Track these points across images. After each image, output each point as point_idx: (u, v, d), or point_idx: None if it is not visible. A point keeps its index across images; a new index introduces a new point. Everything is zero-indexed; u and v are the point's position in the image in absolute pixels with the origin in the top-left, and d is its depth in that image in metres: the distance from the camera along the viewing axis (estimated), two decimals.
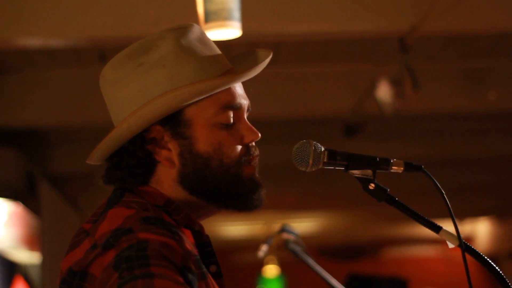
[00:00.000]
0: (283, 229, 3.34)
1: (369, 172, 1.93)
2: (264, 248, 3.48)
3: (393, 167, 1.95)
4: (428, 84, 5.54)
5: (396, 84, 5.15)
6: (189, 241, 1.67)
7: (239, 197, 1.76)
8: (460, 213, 12.64)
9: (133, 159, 1.74)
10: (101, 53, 5.65)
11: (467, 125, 7.15)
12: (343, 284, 5.98)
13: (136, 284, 1.46)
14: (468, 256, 1.91)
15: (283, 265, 13.91)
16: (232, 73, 1.75)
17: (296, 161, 1.90)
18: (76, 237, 1.70)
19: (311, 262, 3.32)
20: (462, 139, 7.09)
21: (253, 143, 1.80)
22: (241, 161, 1.75)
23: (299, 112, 6.35)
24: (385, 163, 1.93)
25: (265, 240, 3.51)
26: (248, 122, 1.79)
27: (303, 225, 12.67)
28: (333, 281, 3.33)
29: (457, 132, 7.06)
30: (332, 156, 1.90)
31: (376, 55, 5.62)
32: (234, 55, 1.88)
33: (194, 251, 1.65)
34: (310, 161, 1.88)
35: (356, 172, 1.93)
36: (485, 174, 9.65)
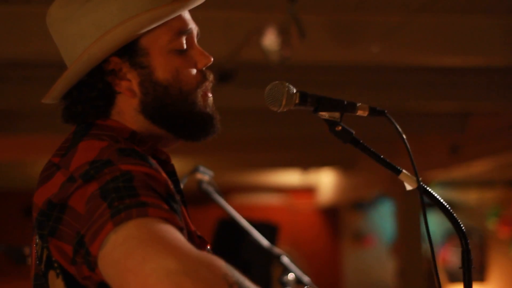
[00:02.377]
0: (196, 169, 3.33)
1: (336, 114, 2.00)
2: None
3: (358, 111, 2.02)
4: (313, 35, 5.64)
5: (282, 33, 5.20)
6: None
7: (197, 125, 1.80)
8: (305, 163, 12.99)
9: (94, 91, 1.76)
10: None
11: (348, 77, 7.34)
12: (214, 229, 6.05)
13: (131, 212, 1.45)
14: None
15: None
16: (178, 1, 1.77)
17: (268, 101, 1.95)
18: (46, 171, 1.70)
19: (224, 203, 3.35)
20: (341, 91, 7.26)
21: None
22: (198, 88, 1.79)
23: None
24: (352, 107, 2.01)
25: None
26: (199, 47, 1.83)
27: None
28: (244, 222, 3.37)
29: (340, 84, 7.23)
30: (303, 98, 1.96)
31: (260, 3, 5.64)
32: None
33: (169, 180, 1.66)
34: (284, 102, 1.94)
35: (324, 114, 2.00)
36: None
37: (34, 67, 6.88)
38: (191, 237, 1.68)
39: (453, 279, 12.42)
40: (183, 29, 1.78)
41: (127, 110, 1.77)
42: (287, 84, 1.94)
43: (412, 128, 9.18)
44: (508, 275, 12.54)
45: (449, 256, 12.87)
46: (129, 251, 1.41)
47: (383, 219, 14.27)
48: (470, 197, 12.98)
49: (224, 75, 6.50)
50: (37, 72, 6.94)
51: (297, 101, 1.95)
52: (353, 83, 7.43)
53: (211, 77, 1.84)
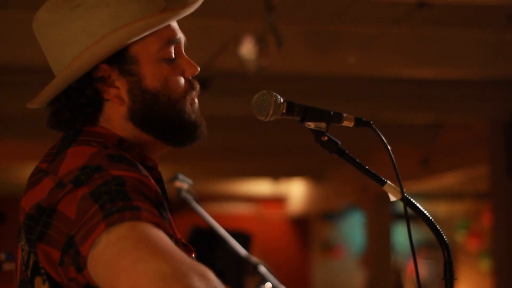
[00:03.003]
0: (175, 177, 3.33)
1: (323, 124, 2.01)
2: None
3: (344, 121, 2.03)
4: (291, 45, 5.66)
5: (260, 42, 5.21)
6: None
7: (184, 132, 1.82)
8: (275, 173, 13.01)
9: (82, 98, 1.75)
10: None
11: (324, 87, 7.36)
12: (188, 237, 6.05)
13: (124, 215, 1.45)
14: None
15: None
16: (173, 9, 1.80)
17: (255, 110, 1.95)
18: (33, 176, 1.69)
19: (202, 211, 3.34)
20: (316, 100, 7.29)
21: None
22: (186, 96, 1.80)
23: None
24: (338, 117, 2.02)
25: None
26: (186, 56, 1.85)
27: None
28: (222, 231, 3.36)
29: (316, 94, 7.24)
30: (291, 107, 1.97)
31: (237, 12, 5.65)
32: None
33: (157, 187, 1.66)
34: (271, 111, 1.95)
35: (310, 124, 2.00)
36: (303, 135, 9.94)
37: (18, 73, 6.84)
38: (177, 245, 1.68)
39: None
40: (172, 39, 1.80)
41: (115, 117, 1.77)
42: (274, 93, 1.95)
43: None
44: (477, 287, 12.63)
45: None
46: (122, 251, 1.41)
47: (353, 230, 14.32)
48: (440, 209, 13.07)
49: (200, 83, 6.47)
50: (21, 78, 6.89)
51: (284, 111, 1.96)
52: (328, 93, 7.46)
53: (197, 86, 1.85)
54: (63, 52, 1.75)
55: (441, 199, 12.95)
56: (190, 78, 1.83)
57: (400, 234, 12.41)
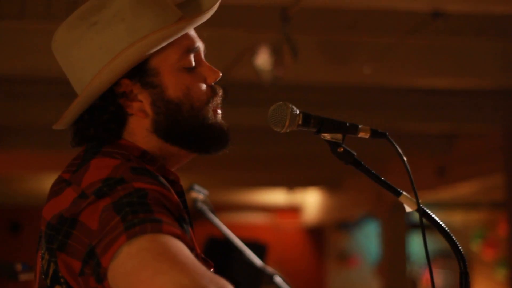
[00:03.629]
0: (191, 188, 3.34)
1: (338, 136, 2.00)
2: None
3: (360, 133, 2.03)
4: (306, 55, 5.67)
5: (275, 52, 5.22)
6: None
7: (209, 139, 1.82)
8: (290, 182, 12.99)
9: (106, 114, 1.76)
10: None
11: (339, 97, 7.37)
12: (203, 247, 6.04)
13: (145, 227, 1.46)
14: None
15: None
16: (189, 18, 1.79)
17: (271, 122, 1.95)
18: (56, 186, 1.70)
19: (218, 222, 3.35)
20: (331, 111, 7.29)
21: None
22: (209, 103, 1.81)
23: None
24: (354, 128, 2.02)
25: None
26: (207, 63, 1.84)
27: None
28: (238, 241, 3.37)
29: (331, 104, 7.26)
30: (307, 119, 1.97)
31: (253, 22, 5.67)
32: (178, 2, 1.92)
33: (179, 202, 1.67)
34: (287, 123, 1.95)
35: (326, 136, 2.00)
36: (318, 145, 9.93)
37: (21, 83, 6.87)
38: (197, 259, 1.69)
39: None
40: (190, 47, 1.79)
41: (139, 131, 1.78)
42: (290, 105, 1.95)
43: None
44: None
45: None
46: (142, 263, 1.41)
47: (368, 240, 14.28)
48: (455, 218, 13.03)
49: None
50: (25, 88, 6.93)
51: (300, 122, 1.95)
52: (344, 103, 7.46)
53: (220, 91, 1.85)
54: (83, 71, 1.76)
55: (456, 208, 12.91)
56: (213, 84, 1.83)
57: (415, 244, 12.38)
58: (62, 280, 1.61)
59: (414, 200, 2.01)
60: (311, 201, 14.50)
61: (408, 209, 2.06)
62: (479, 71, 6.50)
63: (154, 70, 1.76)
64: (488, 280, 12.72)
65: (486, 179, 9.31)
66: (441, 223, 2.03)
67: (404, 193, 2.03)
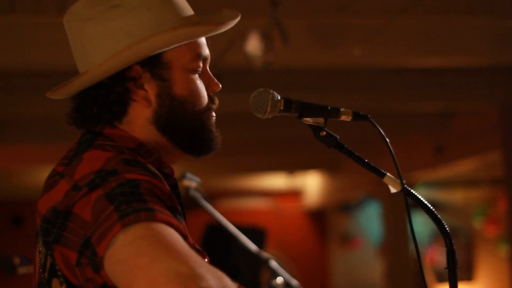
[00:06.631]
0: (183, 176, 3.35)
1: (320, 120, 2.02)
2: None
3: (342, 116, 2.05)
4: (296, 39, 5.67)
5: (265, 38, 5.22)
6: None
7: (202, 143, 1.86)
8: (290, 166, 13.00)
9: (112, 95, 1.79)
10: None
11: (332, 80, 7.37)
12: (203, 235, 6.07)
13: (139, 215, 1.48)
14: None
15: None
16: (210, 23, 1.84)
17: (253, 108, 1.98)
18: (50, 179, 1.72)
19: (211, 209, 3.36)
20: (325, 94, 7.29)
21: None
22: (208, 109, 1.86)
23: None
24: (336, 112, 2.04)
25: None
26: (211, 73, 1.89)
27: None
28: (232, 227, 3.38)
29: (323, 88, 7.26)
30: (288, 104, 1.99)
31: (242, 8, 5.66)
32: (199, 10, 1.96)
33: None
34: (268, 109, 1.97)
35: (308, 120, 2.02)
36: None
37: (19, 77, 6.88)
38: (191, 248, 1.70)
39: (441, 279, 12.46)
40: (202, 53, 1.85)
41: (139, 119, 1.81)
42: (271, 91, 1.97)
43: (396, 129, 9.21)
44: (496, 273, 12.61)
45: (437, 256, 12.91)
46: (139, 250, 1.43)
47: (370, 221, 14.30)
48: (456, 196, 13.03)
49: None
50: (22, 82, 6.93)
51: (281, 108, 1.98)
52: (336, 86, 7.46)
53: (217, 102, 1.90)
54: (96, 47, 1.78)
55: (457, 187, 12.91)
56: (211, 94, 1.88)
57: (418, 223, 12.40)
58: (59, 273, 1.64)
59: (398, 181, 2.03)
60: (312, 184, 14.51)
61: (392, 189, 2.08)
62: (471, 49, 6.49)
63: (167, 64, 1.80)
64: (491, 257, 12.74)
65: (484, 156, 9.31)
66: (426, 202, 2.05)
67: (388, 174, 2.04)
